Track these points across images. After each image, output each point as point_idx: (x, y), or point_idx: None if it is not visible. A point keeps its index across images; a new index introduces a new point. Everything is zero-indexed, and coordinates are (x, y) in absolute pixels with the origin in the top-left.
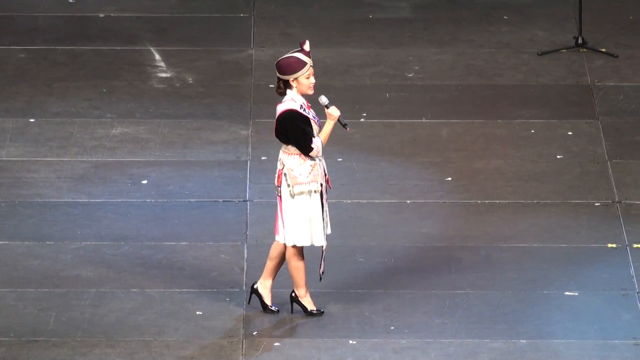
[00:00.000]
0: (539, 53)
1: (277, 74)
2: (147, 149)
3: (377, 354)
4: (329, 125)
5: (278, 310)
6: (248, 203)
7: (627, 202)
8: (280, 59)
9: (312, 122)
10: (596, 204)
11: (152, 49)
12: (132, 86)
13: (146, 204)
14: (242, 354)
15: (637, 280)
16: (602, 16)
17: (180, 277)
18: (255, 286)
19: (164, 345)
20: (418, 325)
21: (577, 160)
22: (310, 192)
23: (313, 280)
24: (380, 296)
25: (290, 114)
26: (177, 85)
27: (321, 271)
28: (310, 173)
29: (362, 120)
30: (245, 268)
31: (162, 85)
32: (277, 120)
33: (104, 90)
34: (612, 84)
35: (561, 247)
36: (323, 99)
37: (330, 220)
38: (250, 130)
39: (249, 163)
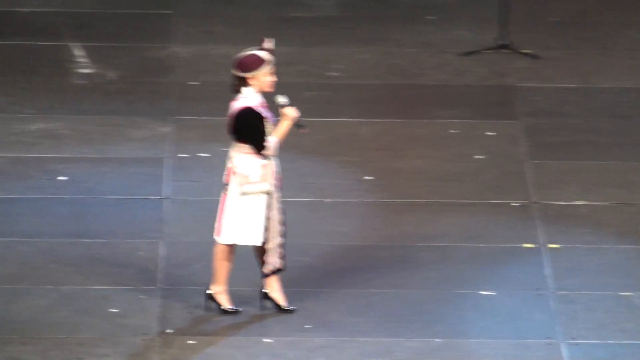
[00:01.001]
0: (462, 53)
1: (235, 71)
2: (66, 145)
3: (292, 352)
4: (284, 126)
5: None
6: (165, 201)
7: (544, 202)
8: (239, 55)
9: (268, 121)
10: (513, 204)
11: (73, 44)
12: (52, 82)
13: (63, 200)
14: (157, 352)
15: (551, 280)
16: (525, 17)
17: (95, 274)
18: (264, 290)
19: (78, 343)
20: (333, 324)
21: (496, 161)
22: (259, 192)
23: (238, 279)
24: (296, 294)
25: (247, 112)
26: (98, 81)
27: (266, 270)
28: (260, 173)
29: None
30: (161, 266)
31: (83, 81)
32: (232, 118)
33: (23, 86)
34: (533, 85)
35: (478, 247)
36: (281, 99)
37: (280, 221)
38: (170, 127)
39: (168, 160)
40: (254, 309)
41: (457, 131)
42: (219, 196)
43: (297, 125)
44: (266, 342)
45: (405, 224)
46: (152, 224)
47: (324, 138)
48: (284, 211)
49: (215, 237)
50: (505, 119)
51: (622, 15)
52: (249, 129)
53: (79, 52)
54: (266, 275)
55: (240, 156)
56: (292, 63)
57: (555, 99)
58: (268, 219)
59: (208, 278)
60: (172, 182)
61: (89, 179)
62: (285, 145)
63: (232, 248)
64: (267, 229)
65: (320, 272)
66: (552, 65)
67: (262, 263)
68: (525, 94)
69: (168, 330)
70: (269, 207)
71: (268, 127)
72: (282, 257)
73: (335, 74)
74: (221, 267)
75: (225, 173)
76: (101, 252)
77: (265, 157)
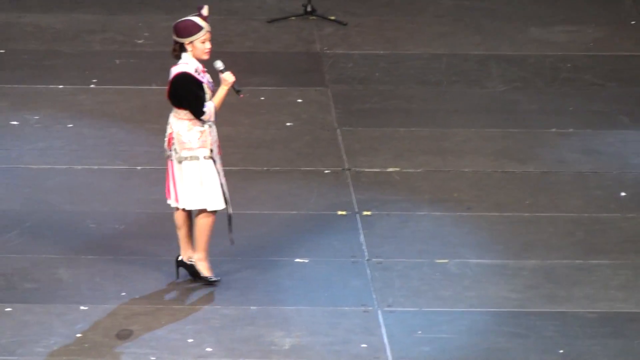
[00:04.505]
0: (268, 20)
1: (174, 36)
2: None
3: (108, 319)
4: (222, 91)
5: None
6: None
7: (357, 169)
8: (177, 21)
9: (206, 86)
10: (326, 172)
11: None
12: None
13: None
14: None
15: (366, 247)
16: None
17: None
18: (179, 259)
19: None
20: (149, 291)
21: (306, 128)
22: (198, 157)
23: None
24: (111, 262)
25: (183, 77)
26: None
27: (231, 238)
28: (199, 139)
29: (92, 86)
30: None
31: None
32: (170, 83)
33: None
34: (341, 51)
35: (291, 214)
36: (218, 64)
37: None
38: None
39: None
40: (65, 276)
41: (266, 98)
42: (31, 164)
43: (235, 89)
44: (83, 309)
45: None
46: None
47: (133, 106)
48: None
49: (170, 202)
50: (314, 85)
51: None
52: (185, 95)
53: None
54: (233, 242)
55: (178, 122)
56: (99, 31)
57: (364, 66)
58: (221, 184)
59: (24, 245)
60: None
61: None
62: (96, 114)
63: (187, 213)
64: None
65: (135, 239)
66: (359, 31)
67: (229, 230)
68: (334, 60)
69: None
70: (219, 172)
71: (206, 92)
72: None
73: (143, 41)
74: (181, 233)
75: (165, 139)
76: None
77: (203, 122)
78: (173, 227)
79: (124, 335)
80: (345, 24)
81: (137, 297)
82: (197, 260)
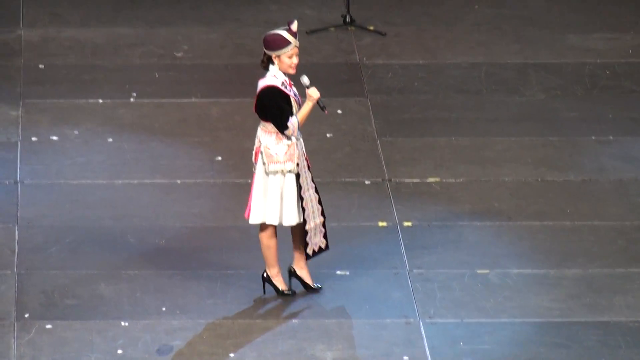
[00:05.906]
0: (308, 31)
1: (263, 48)
2: None
3: (148, 335)
4: (307, 106)
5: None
6: (19, 184)
7: (397, 180)
8: (267, 33)
9: (293, 100)
10: (366, 182)
11: None
12: None
13: None
14: (14, 337)
15: (407, 258)
16: None
17: None
18: (264, 274)
19: None
20: (190, 306)
21: (346, 139)
22: (284, 171)
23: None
24: (152, 277)
25: (270, 90)
26: None
27: (309, 251)
28: (286, 153)
29: (131, 100)
30: (16, 250)
31: None
32: (257, 96)
33: None
34: (380, 62)
35: (332, 226)
36: (304, 80)
37: (317, 200)
38: (20, 110)
39: (19, 144)
40: (106, 292)
41: None
42: (71, 179)
43: (320, 105)
44: (123, 325)
45: None
46: (6, 207)
47: (173, 119)
48: (317, 190)
49: (246, 218)
50: (354, 96)
51: None
52: (271, 108)
53: None
54: (309, 257)
55: (265, 136)
56: (138, 44)
57: (404, 76)
58: (302, 198)
59: (64, 261)
60: (25, 165)
61: None
62: (136, 128)
63: (271, 228)
64: (304, 210)
65: (175, 254)
66: (398, 41)
67: (304, 244)
68: (373, 71)
69: (25, 315)
70: (301, 186)
71: (292, 105)
72: (325, 236)
73: (182, 54)
74: (267, 249)
75: (252, 152)
76: None
77: (287, 137)
78: (212, 241)
79: (165, 350)
80: (384, 34)
81: (177, 312)
82: (271, 276)
